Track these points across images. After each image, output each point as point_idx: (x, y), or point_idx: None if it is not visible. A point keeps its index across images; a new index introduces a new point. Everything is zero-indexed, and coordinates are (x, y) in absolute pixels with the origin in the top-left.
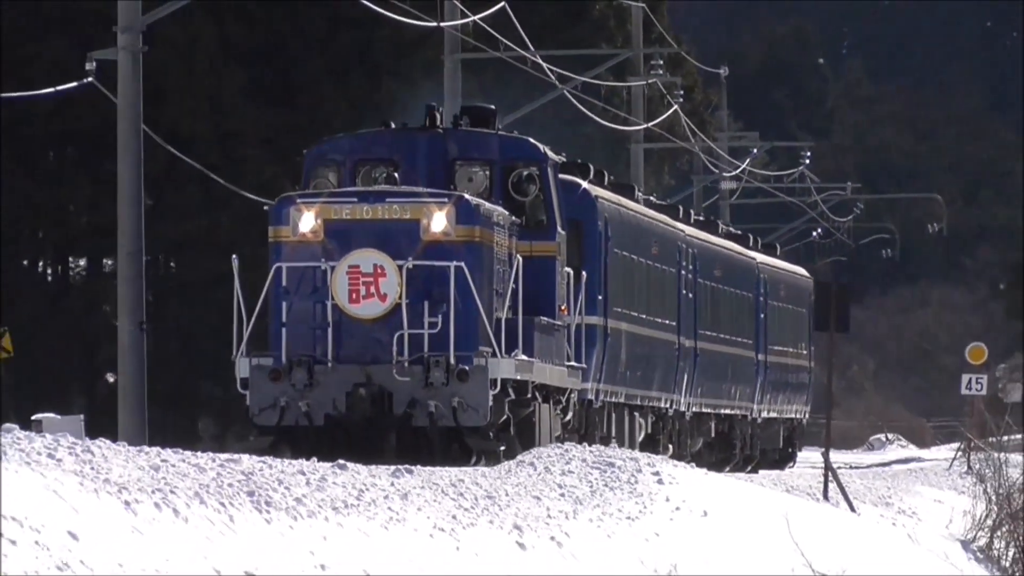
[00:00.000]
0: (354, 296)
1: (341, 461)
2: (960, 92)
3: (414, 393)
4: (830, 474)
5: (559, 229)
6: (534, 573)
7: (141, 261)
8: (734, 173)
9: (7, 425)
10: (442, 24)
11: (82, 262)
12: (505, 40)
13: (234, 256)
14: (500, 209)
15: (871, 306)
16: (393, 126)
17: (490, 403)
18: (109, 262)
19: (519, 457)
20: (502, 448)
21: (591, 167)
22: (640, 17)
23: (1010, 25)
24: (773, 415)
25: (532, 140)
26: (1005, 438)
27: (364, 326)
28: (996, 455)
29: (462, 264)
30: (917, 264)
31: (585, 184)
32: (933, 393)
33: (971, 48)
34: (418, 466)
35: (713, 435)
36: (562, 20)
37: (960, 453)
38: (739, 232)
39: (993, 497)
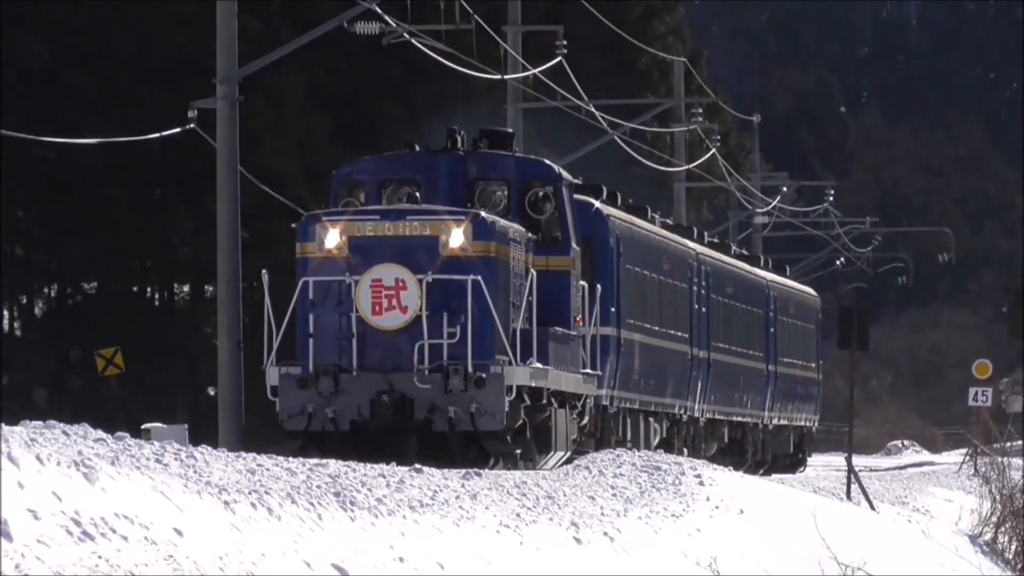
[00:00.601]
0: (377, 308)
1: (417, 465)
2: (965, 135)
3: (434, 399)
4: (852, 476)
5: (573, 245)
6: (589, 565)
7: (238, 287)
8: (766, 209)
9: (119, 433)
10: (505, 77)
11: (185, 288)
12: (561, 91)
13: (264, 271)
14: (516, 226)
15: (888, 326)
16: (417, 148)
17: (506, 408)
18: (209, 288)
19: (576, 462)
20: (518, 451)
21: (604, 188)
22: (681, 70)
23: (1009, 77)
24: (783, 423)
25: (547, 161)
26: (1008, 444)
27: (386, 337)
28: (1000, 460)
29: (479, 278)
30: (928, 289)
31: (598, 204)
32: (943, 404)
33: (975, 96)
34: (484, 469)
35: (726, 440)
36: (612, 72)
37: (968, 458)
38: (750, 254)
39: (997, 497)
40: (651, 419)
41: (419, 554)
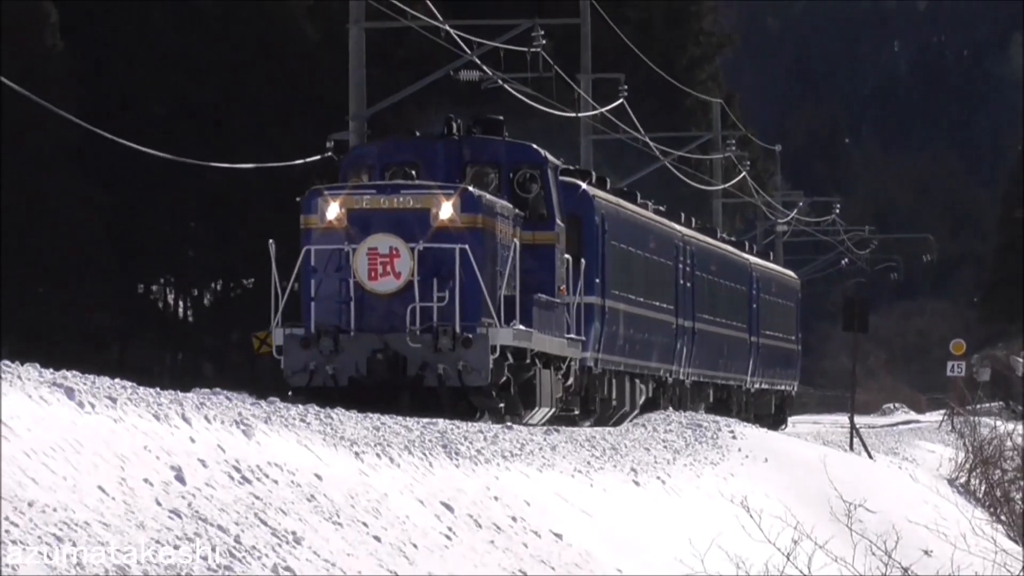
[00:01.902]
0: (373, 274)
1: (509, 423)
2: (945, 160)
3: (425, 358)
4: (854, 432)
5: (558, 221)
6: (645, 503)
7: None
8: (785, 220)
9: (271, 398)
10: (579, 115)
11: None
12: (623, 125)
13: (271, 241)
14: (503, 202)
15: (882, 314)
16: (417, 134)
17: (491, 366)
18: None
19: (634, 420)
20: (502, 406)
21: (592, 173)
22: (719, 109)
23: (983, 114)
24: (765, 387)
25: (535, 146)
26: (977, 407)
27: (382, 300)
28: (971, 419)
29: (466, 247)
30: (915, 284)
31: (584, 185)
32: (927, 375)
33: (953, 129)
34: (562, 427)
35: (712, 401)
36: (663, 111)
37: (946, 417)
38: (735, 239)
39: (969, 448)
40: (637, 380)
41: (510, 493)
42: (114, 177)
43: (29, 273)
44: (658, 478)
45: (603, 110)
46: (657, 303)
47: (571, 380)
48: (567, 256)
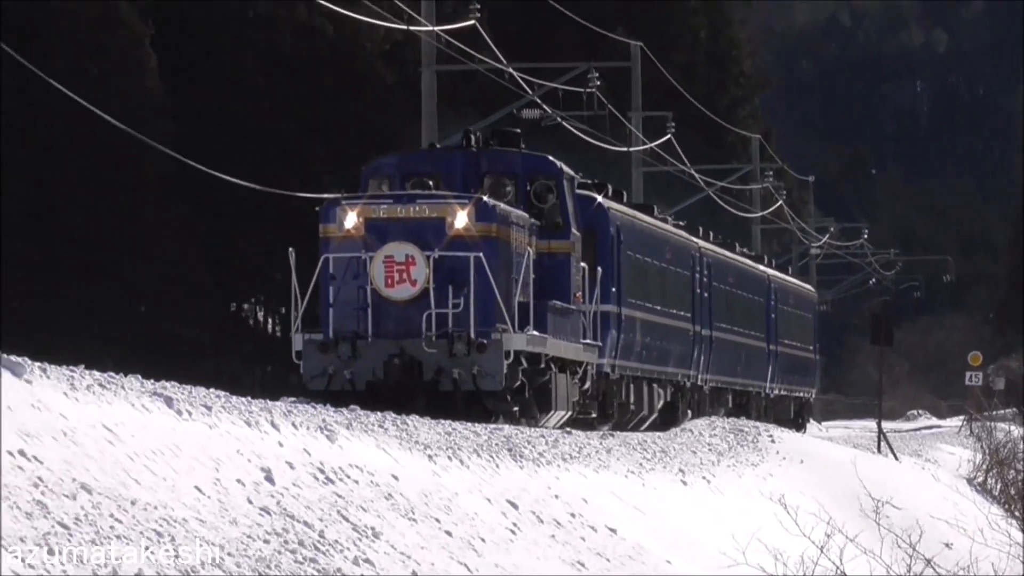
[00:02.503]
0: (389, 281)
1: (567, 429)
2: (962, 189)
3: (440, 363)
4: (881, 436)
5: (573, 230)
6: (692, 500)
7: None
8: (818, 244)
9: (352, 406)
10: (630, 149)
11: None
12: (671, 159)
13: (291, 249)
14: (518, 211)
15: (906, 329)
16: (438, 146)
17: (504, 371)
18: None
19: (682, 426)
20: (516, 409)
21: (609, 187)
22: (757, 144)
23: (997, 145)
24: (784, 393)
25: (550, 157)
26: (993, 413)
27: (398, 307)
28: (988, 424)
29: (480, 255)
30: (936, 301)
31: (600, 198)
32: (947, 384)
33: (969, 160)
34: (617, 431)
35: (731, 405)
36: (707, 145)
37: (965, 422)
38: (754, 253)
39: (986, 450)
40: (655, 385)
41: (569, 492)
42: (209, 205)
43: (132, 293)
44: (703, 478)
45: (652, 145)
46: (674, 311)
47: (588, 384)
48: (583, 265)
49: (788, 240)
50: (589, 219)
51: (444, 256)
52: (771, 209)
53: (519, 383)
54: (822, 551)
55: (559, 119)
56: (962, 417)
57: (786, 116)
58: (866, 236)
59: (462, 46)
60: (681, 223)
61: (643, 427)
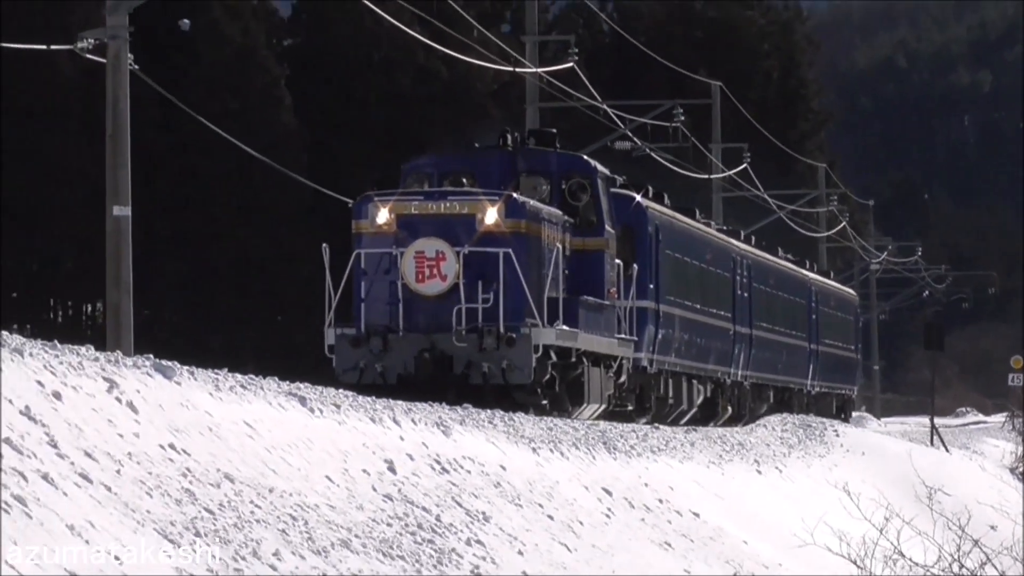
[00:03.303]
0: (420, 277)
1: (656, 424)
2: (1005, 212)
3: (470, 356)
4: (934, 430)
5: (607, 228)
6: (766, 488)
7: None
8: (877, 260)
9: (465, 404)
10: (711, 176)
11: None
12: (746, 184)
13: (324, 245)
14: (550, 208)
15: (956, 335)
16: (477, 145)
17: (533, 364)
18: None
19: (758, 422)
20: (545, 402)
21: (649, 188)
22: (823, 172)
23: None
24: (825, 390)
25: (585, 157)
26: None
27: (428, 301)
28: None
29: (509, 251)
30: (982, 311)
31: (638, 198)
32: (992, 384)
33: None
34: (699, 427)
35: (772, 401)
36: (780, 173)
37: (1008, 419)
38: (796, 259)
39: None
40: (694, 381)
41: (657, 480)
42: (339, 229)
43: (272, 305)
44: (776, 468)
45: (730, 173)
46: (713, 310)
47: (624, 378)
48: (618, 261)
49: (851, 257)
50: (628, 218)
51: (474, 252)
52: (835, 230)
53: (548, 376)
54: (881, 533)
55: (648, 150)
56: (1005, 414)
57: (849, 147)
58: (920, 254)
59: (562, 85)
60: (724, 227)
61: (682, 421)
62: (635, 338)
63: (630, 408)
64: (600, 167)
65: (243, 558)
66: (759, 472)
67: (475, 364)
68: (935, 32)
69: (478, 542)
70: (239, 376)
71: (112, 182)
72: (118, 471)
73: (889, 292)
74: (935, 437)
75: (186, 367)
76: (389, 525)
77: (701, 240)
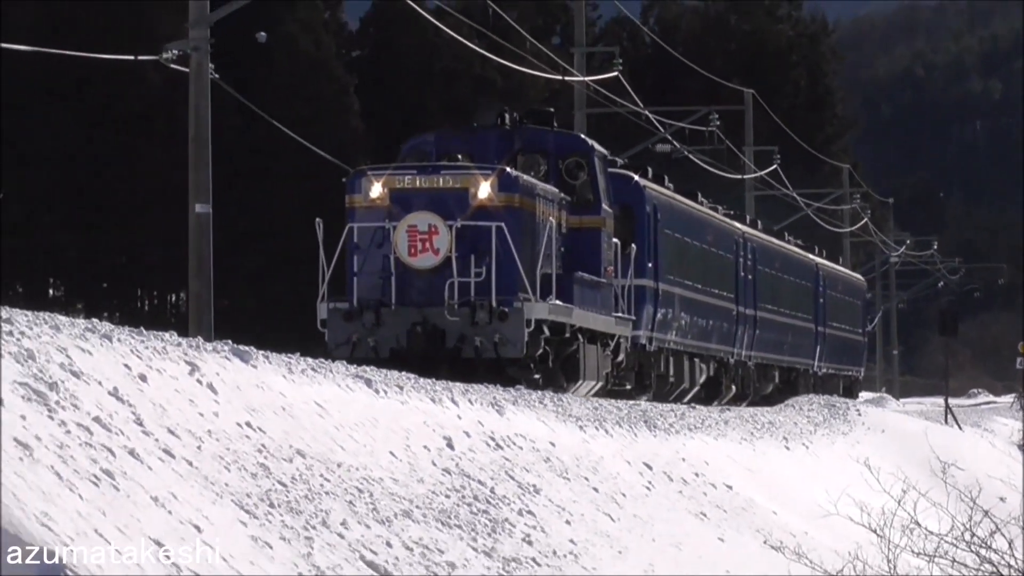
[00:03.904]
0: (412, 251)
1: (693, 404)
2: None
3: (463, 330)
4: (948, 410)
5: (604, 206)
6: (794, 462)
7: None
8: (896, 254)
9: (518, 386)
10: (744, 176)
11: None
12: (777, 184)
13: (318, 220)
14: (545, 185)
15: (968, 322)
16: (476, 125)
17: (526, 339)
18: None
19: (786, 403)
20: (537, 376)
21: (649, 169)
22: (847, 173)
23: None
24: (831, 372)
25: (582, 135)
26: None
27: (421, 275)
28: None
29: (502, 224)
30: (992, 300)
31: (636, 177)
32: (1001, 368)
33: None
34: (732, 407)
35: (778, 382)
36: (808, 173)
37: (1016, 399)
38: (804, 244)
39: None
40: (696, 360)
41: (693, 456)
42: None
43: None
44: (803, 444)
45: (762, 173)
46: (716, 291)
47: (621, 356)
48: (615, 240)
49: (872, 251)
50: (626, 197)
51: (467, 226)
52: (858, 225)
53: (541, 351)
54: (899, 504)
55: (686, 152)
56: (1014, 395)
57: (870, 150)
58: (935, 248)
59: (607, 93)
60: (731, 211)
61: (685, 399)
62: (633, 316)
63: (628, 387)
64: (597, 146)
65: (313, 527)
66: (787, 448)
67: (468, 338)
68: (950, 44)
69: (529, 512)
70: (310, 360)
71: (194, 182)
72: (199, 447)
73: (907, 283)
74: (949, 416)
75: (262, 352)
76: (447, 497)
77: (702, 221)
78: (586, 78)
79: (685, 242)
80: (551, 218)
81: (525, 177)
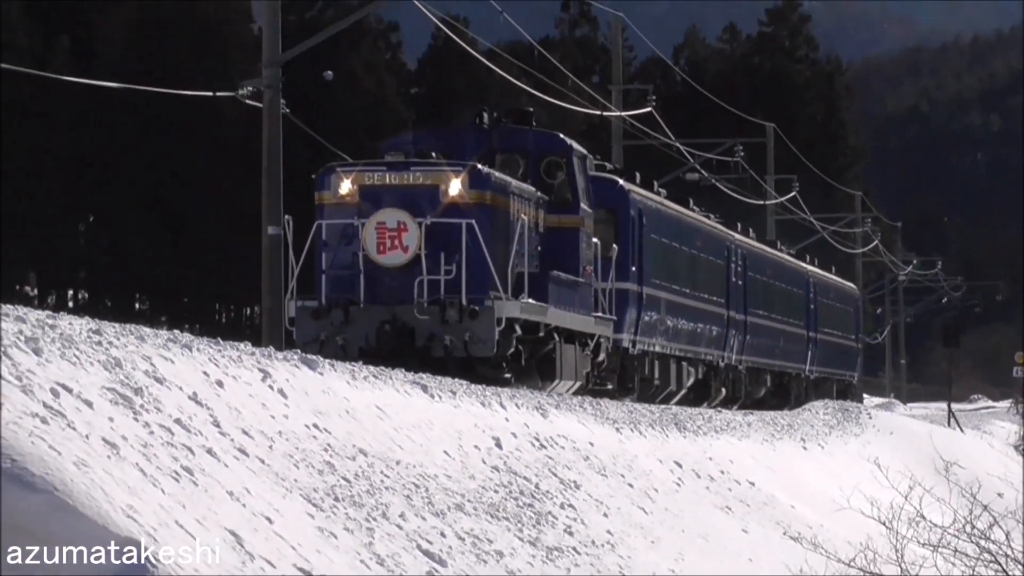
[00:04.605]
0: (381, 248)
1: (720, 408)
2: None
3: (432, 329)
4: (951, 414)
5: (583, 206)
6: (810, 460)
7: None
8: (904, 272)
9: (558, 392)
10: (766, 203)
11: None
12: (795, 209)
13: (287, 217)
14: (521, 183)
15: (969, 335)
16: (454, 123)
17: (497, 337)
18: None
19: (804, 407)
20: (508, 375)
21: (637, 175)
22: (859, 199)
23: None
24: (824, 376)
25: (561, 135)
26: None
27: (390, 273)
28: None
29: (472, 221)
30: (991, 314)
31: (621, 182)
32: (1000, 376)
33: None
34: (755, 411)
35: (770, 385)
36: (823, 199)
37: (1013, 404)
38: (794, 252)
39: None
40: (684, 363)
41: (719, 455)
42: None
43: None
44: (819, 445)
45: (782, 199)
46: (705, 296)
47: (602, 357)
48: (596, 241)
49: (882, 270)
50: (610, 201)
51: (436, 222)
52: (869, 247)
53: (514, 350)
54: (906, 499)
55: (713, 180)
56: (1010, 400)
57: (880, 178)
58: (939, 267)
59: (641, 127)
60: (722, 220)
61: (672, 401)
62: (613, 318)
63: (610, 387)
64: (576, 145)
65: (374, 519)
66: (805, 448)
67: (437, 337)
68: (952, 82)
69: (570, 506)
70: (371, 368)
71: (266, 206)
72: (270, 447)
73: (914, 299)
74: (952, 420)
75: (327, 360)
76: (496, 492)
77: (691, 227)
78: (623, 113)
79: (673, 247)
80: (525, 215)
81: (498, 174)
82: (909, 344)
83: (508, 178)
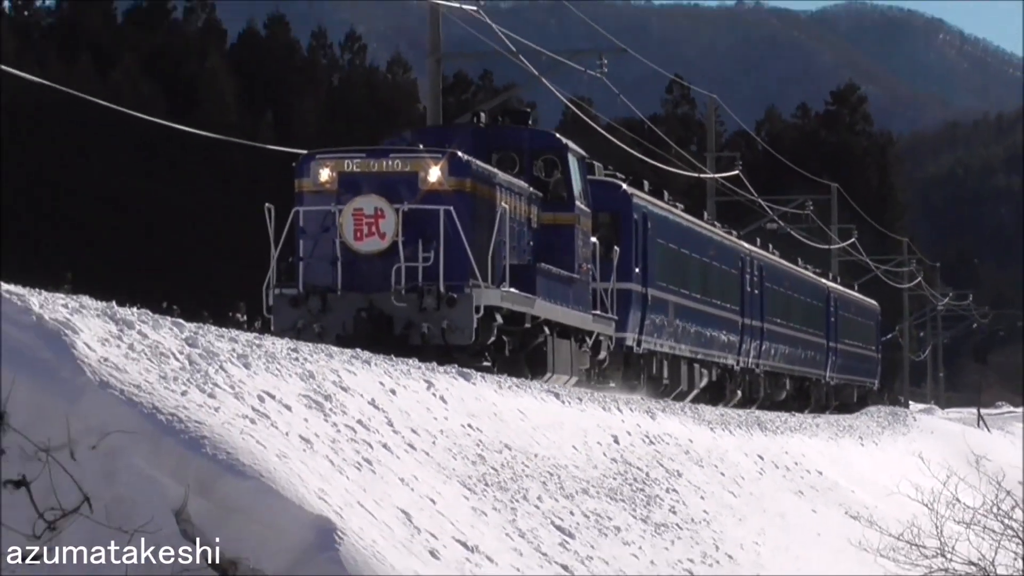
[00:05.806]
0: (358, 235)
1: (793, 411)
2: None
3: (410, 316)
4: (980, 417)
5: (579, 204)
6: (867, 455)
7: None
8: (942, 304)
9: (667, 400)
10: (830, 247)
11: None
12: (854, 253)
13: (268, 205)
14: (510, 177)
15: (995, 353)
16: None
17: (475, 325)
18: None
19: (860, 412)
20: (487, 364)
21: (645, 183)
22: (906, 244)
23: None
24: (844, 382)
25: (556, 134)
26: None
27: (367, 260)
28: None
29: (451, 208)
30: (1014, 336)
31: (624, 185)
32: (1021, 387)
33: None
34: (822, 414)
35: (789, 388)
36: (876, 242)
37: None
38: (816, 270)
39: None
40: (696, 365)
41: (794, 450)
42: None
43: None
44: (874, 442)
45: (843, 244)
46: (718, 302)
47: (604, 355)
48: (594, 240)
49: (924, 301)
50: (614, 204)
51: (414, 209)
52: (914, 283)
53: (495, 340)
54: (944, 486)
55: (788, 230)
56: None
57: (923, 228)
58: (971, 299)
59: (731, 186)
60: (733, 231)
61: (686, 401)
62: (615, 317)
63: (612, 385)
64: (573, 145)
65: (517, 500)
66: (862, 445)
67: (415, 324)
68: (981, 150)
69: (674, 490)
70: (513, 379)
71: None
72: (433, 442)
73: (950, 325)
74: (981, 422)
75: (479, 373)
76: (614, 479)
77: (702, 237)
78: (715, 175)
79: (682, 253)
80: (513, 208)
81: (479, 163)
82: (946, 361)
83: (494, 169)
